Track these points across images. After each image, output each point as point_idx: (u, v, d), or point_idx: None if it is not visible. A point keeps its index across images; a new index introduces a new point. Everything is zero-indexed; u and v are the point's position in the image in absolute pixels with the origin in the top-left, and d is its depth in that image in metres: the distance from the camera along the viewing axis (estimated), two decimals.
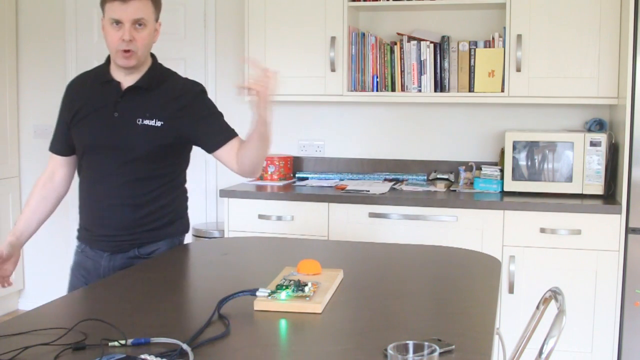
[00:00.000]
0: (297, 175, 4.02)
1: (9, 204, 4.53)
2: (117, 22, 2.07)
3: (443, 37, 3.67)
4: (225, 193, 3.63)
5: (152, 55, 2.25)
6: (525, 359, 1.86)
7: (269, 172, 3.88)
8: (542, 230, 3.25)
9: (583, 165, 3.35)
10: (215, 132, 2.22)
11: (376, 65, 3.71)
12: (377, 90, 3.71)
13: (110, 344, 1.38)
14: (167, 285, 1.93)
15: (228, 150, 2.22)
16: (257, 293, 1.64)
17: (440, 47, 3.64)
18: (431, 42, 3.65)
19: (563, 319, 1.56)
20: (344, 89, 3.68)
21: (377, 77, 3.71)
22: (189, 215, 2.39)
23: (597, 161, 3.34)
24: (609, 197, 3.35)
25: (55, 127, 2.34)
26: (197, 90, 2.24)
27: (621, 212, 3.17)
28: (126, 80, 2.18)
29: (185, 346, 1.34)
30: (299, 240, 2.97)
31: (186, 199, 2.36)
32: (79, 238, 2.33)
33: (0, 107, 4.43)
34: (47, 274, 4.61)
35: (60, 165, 2.33)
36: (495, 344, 1.63)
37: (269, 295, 1.63)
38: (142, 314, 1.63)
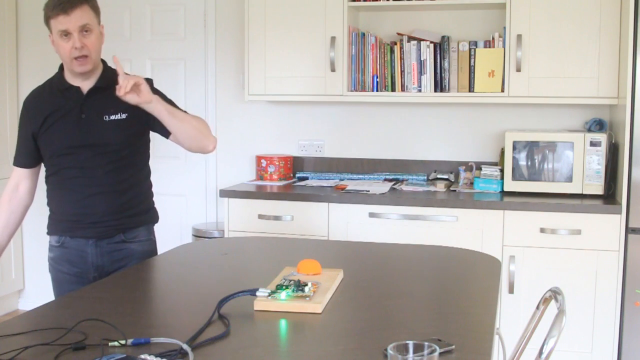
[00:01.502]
0: (297, 175, 4.02)
1: None
2: (66, 33, 2.26)
3: (443, 37, 3.67)
4: (225, 193, 3.63)
5: (103, 60, 2.45)
6: (525, 359, 1.86)
7: (269, 172, 3.89)
8: (542, 230, 3.25)
9: (583, 165, 3.35)
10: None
11: (376, 65, 3.71)
12: (377, 90, 3.71)
13: (110, 344, 1.38)
14: (167, 285, 1.93)
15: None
16: (257, 293, 1.64)
17: (440, 47, 3.64)
18: (431, 42, 3.65)
19: (563, 319, 1.56)
20: (344, 89, 3.68)
21: (377, 77, 3.71)
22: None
23: (597, 161, 3.34)
24: (609, 197, 3.35)
25: (17, 143, 2.51)
26: (150, 83, 2.36)
27: (621, 212, 3.17)
28: (84, 84, 2.36)
29: (185, 346, 1.34)
30: (299, 240, 2.97)
31: (152, 192, 2.54)
32: (55, 232, 2.45)
33: (0, 107, 4.43)
34: (47, 274, 4.59)
35: (24, 177, 2.48)
36: (495, 344, 1.63)
37: (269, 295, 1.63)
38: (142, 314, 1.63)
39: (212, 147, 2.38)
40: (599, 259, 3.21)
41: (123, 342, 1.38)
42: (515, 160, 3.45)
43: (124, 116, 2.33)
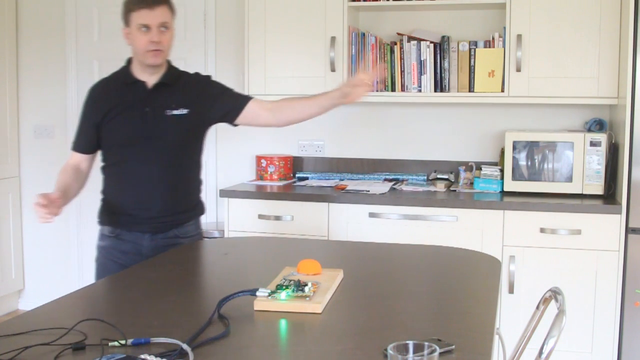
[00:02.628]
0: (297, 175, 4.02)
1: (9, 204, 4.53)
2: (146, 27, 2.38)
3: (443, 37, 3.67)
4: (225, 193, 3.63)
5: (167, 59, 2.55)
6: (525, 359, 1.86)
7: (269, 172, 3.89)
8: (542, 230, 3.26)
9: (583, 165, 3.35)
10: (232, 103, 2.55)
11: (376, 65, 3.71)
12: (377, 90, 3.71)
13: (110, 344, 1.38)
14: (167, 285, 1.93)
15: (249, 111, 2.54)
16: (257, 293, 1.64)
17: (440, 47, 3.64)
18: (431, 42, 3.65)
19: (563, 319, 1.56)
20: None
21: (377, 77, 3.71)
22: None
23: (597, 161, 3.34)
24: (609, 197, 3.35)
25: (78, 128, 2.57)
26: (204, 77, 2.61)
27: (621, 212, 3.17)
28: (150, 79, 2.48)
29: (185, 346, 1.34)
30: (299, 240, 2.97)
31: (201, 186, 2.67)
32: (110, 223, 2.51)
33: (0, 107, 4.43)
34: (47, 274, 4.61)
35: (83, 160, 2.55)
36: (495, 344, 1.63)
37: (269, 295, 1.63)
38: (142, 314, 1.63)
39: None
40: (599, 259, 3.21)
41: (123, 342, 1.38)
42: (515, 160, 3.45)
43: (185, 112, 2.46)
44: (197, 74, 2.61)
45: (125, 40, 2.45)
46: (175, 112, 2.45)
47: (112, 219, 2.51)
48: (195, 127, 2.52)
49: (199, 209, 2.63)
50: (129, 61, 2.53)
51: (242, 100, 2.56)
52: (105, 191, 2.56)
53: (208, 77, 2.61)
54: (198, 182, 2.62)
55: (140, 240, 2.47)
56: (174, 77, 2.52)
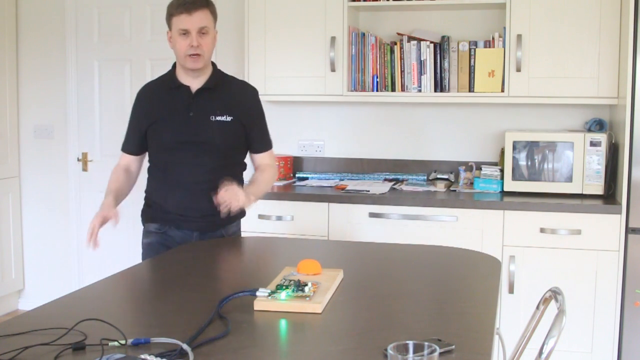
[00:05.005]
0: (297, 175, 4.02)
1: (9, 204, 4.53)
2: (185, 32, 2.42)
3: (443, 37, 3.67)
4: None
5: (213, 62, 2.60)
6: (525, 359, 1.86)
7: None
8: (542, 230, 3.26)
9: (583, 165, 3.35)
10: (260, 139, 2.66)
11: (376, 65, 3.71)
12: (377, 90, 3.71)
13: (110, 344, 1.38)
14: (167, 285, 1.93)
15: (255, 158, 2.67)
16: (257, 293, 1.64)
17: (440, 47, 3.64)
18: (431, 42, 3.65)
19: (563, 319, 1.56)
20: (344, 89, 3.68)
21: (377, 77, 3.71)
22: None
23: (597, 161, 3.34)
24: (609, 197, 3.35)
25: (127, 130, 2.64)
26: (254, 92, 2.67)
27: (621, 212, 3.17)
28: (194, 83, 2.53)
29: (185, 346, 1.34)
30: (299, 240, 2.97)
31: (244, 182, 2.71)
32: (157, 221, 2.57)
33: (0, 107, 4.43)
34: (47, 274, 4.61)
35: (133, 161, 2.64)
36: (495, 344, 1.63)
37: (269, 295, 1.63)
38: (142, 314, 1.63)
39: None
40: (599, 259, 3.21)
41: (123, 342, 1.38)
42: (515, 160, 3.45)
43: (229, 119, 2.51)
44: (244, 85, 2.69)
45: (168, 44, 2.52)
46: (220, 118, 2.50)
47: (160, 217, 2.56)
48: (238, 132, 2.56)
49: (243, 210, 2.60)
50: (174, 66, 2.57)
51: (266, 145, 2.68)
52: (151, 191, 2.62)
53: (255, 93, 2.67)
54: (242, 182, 2.64)
55: (190, 238, 2.54)
56: (218, 82, 2.56)
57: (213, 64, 2.61)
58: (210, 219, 2.51)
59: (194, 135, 2.49)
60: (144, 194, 2.67)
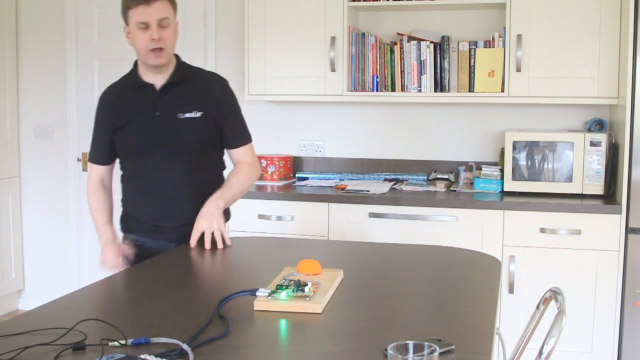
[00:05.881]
0: (297, 175, 4.02)
1: (9, 204, 4.53)
2: (144, 25, 2.23)
3: (443, 37, 3.67)
4: None
5: (176, 55, 2.42)
6: (525, 359, 1.86)
7: (269, 172, 3.89)
8: (542, 230, 3.26)
9: (583, 165, 3.35)
10: (235, 133, 2.45)
11: (376, 65, 3.71)
12: (377, 90, 3.71)
13: (110, 344, 1.38)
14: (167, 285, 1.93)
15: (232, 153, 2.48)
16: (257, 293, 1.64)
17: (440, 47, 3.64)
18: (431, 42, 3.65)
19: (563, 319, 1.56)
20: (344, 89, 3.68)
21: (377, 77, 3.71)
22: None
23: (597, 161, 3.34)
24: (609, 197, 3.36)
25: (92, 139, 2.47)
26: (223, 83, 2.46)
27: (621, 212, 3.17)
28: (158, 80, 2.35)
29: (185, 346, 1.34)
30: (299, 240, 2.97)
31: None
32: (133, 232, 2.44)
33: (0, 107, 4.43)
34: (47, 274, 4.61)
35: (105, 172, 2.49)
36: (495, 344, 1.63)
37: (269, 295, 1.63)
38: (142, 314, 1.63)
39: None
40: (599, 259, 3.21)
41: (123, 342, 1.38)
42: (515, 160, 3.45)
43: (198, 114, 2.33)
44: (213, 76, 2.49)
45: (126, 41, 2.33)
46: (189, 115, 2.32)
47: (136, 228, 2.43)
48: (210, 128, 2.38)
49: (226, 213, 2.47)
50: (136, 63, 2.40)
51: (236, 141, 2.46)
52: (125, 201, 2.46)
53: (225, 84, 2.47)
54: (221, 184, 2.45)
55: (167, 248, 2.37)
56: (184, 75, 2.37)
57: (177, 57, 2.42)
58: (189, 227, 2.31)
59: (162, 137, 2.31)
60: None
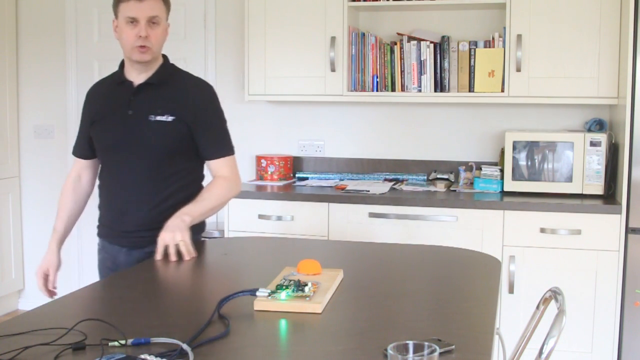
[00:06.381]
0: (297, 175, 4.02)
1: (9, 204, 4.53)
2: (133, 21, 2.18)
3: (443, 37, 3.67)
4: None
5: (164, 56, 2.36)
6: (525, 359, 1.86)
7: (269, 172, 3.89)
8: (542, 230, 3.25)
9: (583, 165, 3.35)
10: (211, 144, 2.33)
11: (376, 65, 3.71)
12: (377, 90, 3.71)
13: (110, 344, 1.38)
14: (167, 285, 1.93)
15: (216, 167, 2.35)
16: (257, 293, 1.64)
17: (440, 47, 3.64)
18: (431, 42, 3.65)
19: (563, 319, 1.56)
20: (344, 89, 3.68)
21: (377, 77, 3.71)
22: None
23: (597, 161, 3.34)
24: (609, 197, 3.35)
25: (77, 132, 2.45)
26: (206, 90, 2.35)
27: (621, 212, 3.17)
28: (139, 78, 2.28)
29: (185, 346, 1.34)
30: (299, 240, 2.97)
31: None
32: (99, 235, 2.41)
33: (0, 107, 4.43)
34: None
35: (84, 167, 2.44)
36: (495, 344, 1.63)
37: (269, 295, 1.63)
38: (142, 314, 1.63)
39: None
40: (599, 259, 3.21)
41: (123, 342, 1.38)
42: (515, 160, 3.45)
43: (170, 119, 2.22)
44: (197, 82, 2.38)
45: (114, 34, 2.27)
46: (160, 118, 2.22)
47: (99, 230, 2.39)
48: (181, 135, 2.25)
49: (200, 225, 2.37)
50: (123, 61, 2.35)
51: (211, 153, 2.33)
52: (99, 198, 2.41)
53: (208, 92, 2.35)
54: (192, 195, 2.28)
55: (118, 254, 2.31)
56: (164, 77, 2.29)
57: (164, 58, 2.35)
58: (139, 234, 2.24)
59: (130, 137, 2.22)
60: None
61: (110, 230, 2.34)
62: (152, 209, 2.25)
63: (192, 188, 2.33)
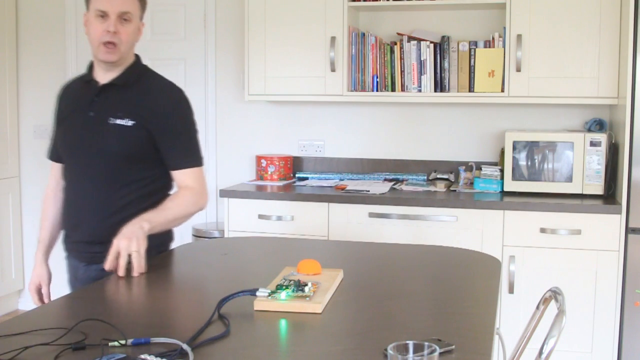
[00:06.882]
0: (297, 175, 4.02)
1: (9, 204, 4.53)
2: (103, 15, 2.03)
3: (443, 37, 3.67)
4: (225, 193, 3.63)
5: (137, 55, 2.21)
6: (525, 359, 1.86)
7: (269, 172, 3.89)
8: (542, 230, 3.25)
9: (583, 165, 3.35)
10: (176, 153, 2.14)
11: (376, 65, 3.71)
12: (377, 90, 3.71)
13: (110, 344, 1.38)
14: (167, 285, 1.93)
15: (181, 177, 2.16)
16: (257, 293, 1.64)
17: (440, 47, 3.64)
18: (431, 42, 3.65)
19: (563, 319, 1.56)
20: (344, 89, 3.68)
21: (377, 77, 3.71)
22: None
23: (597, 161, 3.34)
24: (609, 197, 3.35)
25: (51, 134, 2.32)
26: (175, 96, 2.17)
27: (621, 212, 3.17)
28: (104, 78, 2.13)
29: (185, 346, 1.34)
30: (299, 240, 2.97)
31: None
32: (63, 242, 2.28)
33: (0, 107, 4.43)
34: None
35: (60, 172, 2.30)
36: (495, 344, 1.63)
37: (269, 295, 1.63)
38: (142, 314, 1.63)
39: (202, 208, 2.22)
40: (599, 259, 3.21)
41: (123, 342, 1.38)
42: (515, 160, 3.45)
43: (130, 123, 2.06)
44: (167, 86, 2.18)
45: (84, 29, 2.12)
46: (120, 121, 2.06)
47: (63, 239, 2.25)
48: (142, 141, 2.08)
49: (169, 235, 2.22)
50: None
51: (176, 162, 2.14)
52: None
53: (181, 99, 2.16)
54: (152, 205, 2.09)
55: (77, 269, 2.17)
56: (130, 78, 2.13)
57: (137, 58, 2.20)
58: (94, 247, 2.07)
59: (88, 139, 2.08)
60: None
61: (67, 237, 2.20)
62: (106, 218, 2.08)
63: (153, 199, 2.13)
